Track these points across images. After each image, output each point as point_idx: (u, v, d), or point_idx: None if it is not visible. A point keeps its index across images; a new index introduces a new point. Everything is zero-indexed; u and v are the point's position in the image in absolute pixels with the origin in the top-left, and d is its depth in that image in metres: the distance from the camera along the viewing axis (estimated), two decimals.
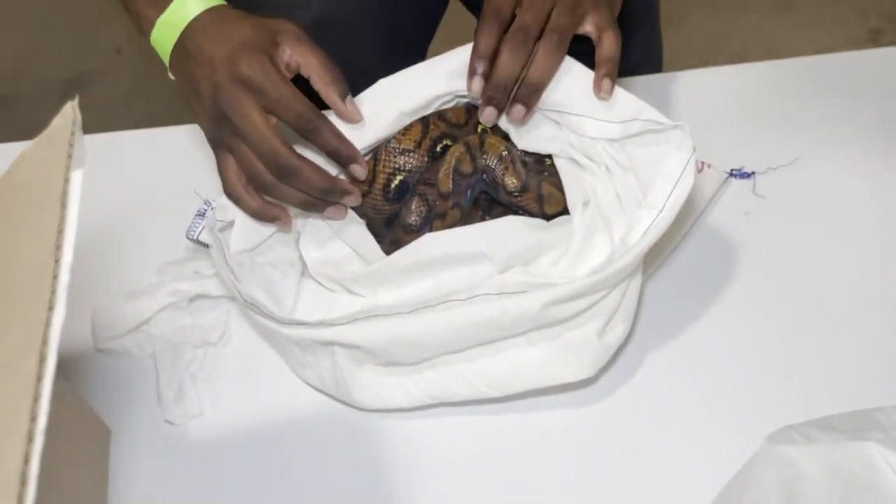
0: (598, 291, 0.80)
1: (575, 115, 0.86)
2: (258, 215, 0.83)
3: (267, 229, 0.89)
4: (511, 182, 0.87)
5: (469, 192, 0.89)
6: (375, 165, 0.89)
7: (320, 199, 0.82)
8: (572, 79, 0.84)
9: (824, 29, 2.45)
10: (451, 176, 0.87)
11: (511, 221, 0.85)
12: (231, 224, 0.87)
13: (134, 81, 2.54)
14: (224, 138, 0.80)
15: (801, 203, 0.97)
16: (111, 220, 1.04)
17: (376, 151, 0.89)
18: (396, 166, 0.88)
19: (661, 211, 0.79)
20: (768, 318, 0.89)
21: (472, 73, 0.82)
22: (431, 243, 0.83)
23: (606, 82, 0.82)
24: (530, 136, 0.90)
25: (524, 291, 0.81)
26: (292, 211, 0.85)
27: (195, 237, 0.88)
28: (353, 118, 0.83)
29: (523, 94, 0.81)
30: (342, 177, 0.85)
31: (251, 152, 0.78)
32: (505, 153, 0.87)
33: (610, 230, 0.85)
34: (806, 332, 0.88)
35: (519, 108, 0.82)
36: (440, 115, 0.89)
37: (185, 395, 0.91)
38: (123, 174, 1.10)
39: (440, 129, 0.89)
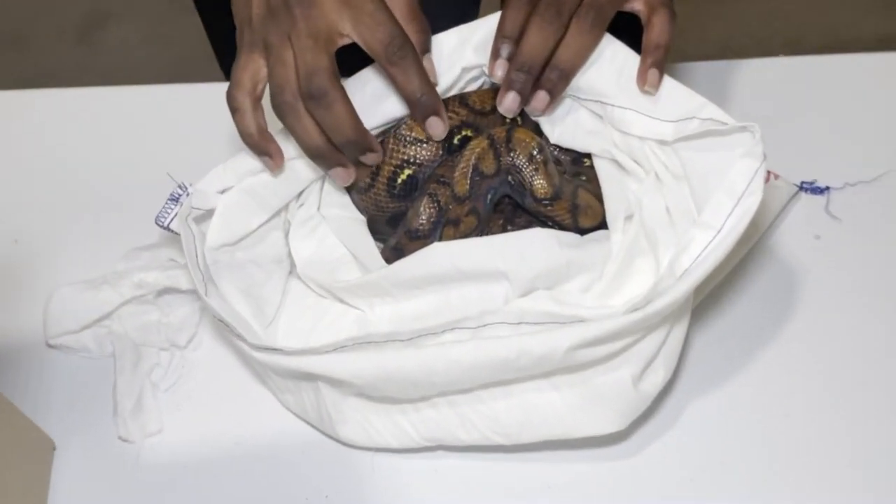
0: (637, 332, 0.66)
1: (619, 108, 0.74)
2: (251, 139, 0.71)
3: (255, 218, 0.76)
4: (541, 187, 0.73)
5: (489, 196, 0.75)
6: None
7: (334, 150, 0.70)
8: (618, 64, 0.73)
9: (891, 16, 2.25)
10: (469, 176, 0.73)
11: (537, 235, 0.72)
12: (209, 214, 0.76)
13: (153, 24, 2.39)
14: (269, 34, 0.68)
15: (882, 228, 0.84)
16: (72, 193, 0.95)
17: (383, 137, 0.75)
18: (405, 158, 0.75)
19: (718, 232, 0.67)
20: (837, 365, 0.77)
21: (495, 54, 0.72)
22: (440, 255, 0.71)
23: (653, 74, 0.71)
24: (566, 129, 0.77)
25: (548, 323, 0.68)
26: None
27: (165, 224, 0.75)
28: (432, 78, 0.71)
29: (549, 79, 0.71)
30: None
31: (292, 59, 0.67)
32: (536, 152, 0.73)
33: (656, 252, 0.72)
34: (883, 383, 0.75)
35: (542, 96, 0.72)
36: (462, 98, 0.76)
37: (143, 406, 0.80)
38: (89, 138, 0.99)
39: (460, 117, 0.75)
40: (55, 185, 0.95)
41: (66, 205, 0.93)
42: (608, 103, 0.73)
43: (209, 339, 0.84)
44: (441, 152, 0.76)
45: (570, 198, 0.74)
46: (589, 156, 0.78)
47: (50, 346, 0.83)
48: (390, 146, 0.75)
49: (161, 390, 0.81)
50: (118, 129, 1.00)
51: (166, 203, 0.75)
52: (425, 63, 0.70)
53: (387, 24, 0.67)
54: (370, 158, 0.72)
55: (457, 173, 0.74)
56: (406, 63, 0.68)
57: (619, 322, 0.65)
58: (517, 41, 0.70)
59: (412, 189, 0.76)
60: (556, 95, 0.72)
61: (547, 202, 0.74)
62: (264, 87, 0.70)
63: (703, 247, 0.67)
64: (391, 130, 0.76)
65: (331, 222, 0.78)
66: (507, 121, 0.76)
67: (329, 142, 0.69)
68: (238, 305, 0.74)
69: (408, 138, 0.75)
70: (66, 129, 1.00)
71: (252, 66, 0.69)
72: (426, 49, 0.71)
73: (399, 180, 0.75)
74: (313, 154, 0.71)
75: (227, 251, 0.76)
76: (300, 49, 0.66)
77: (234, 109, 0.70)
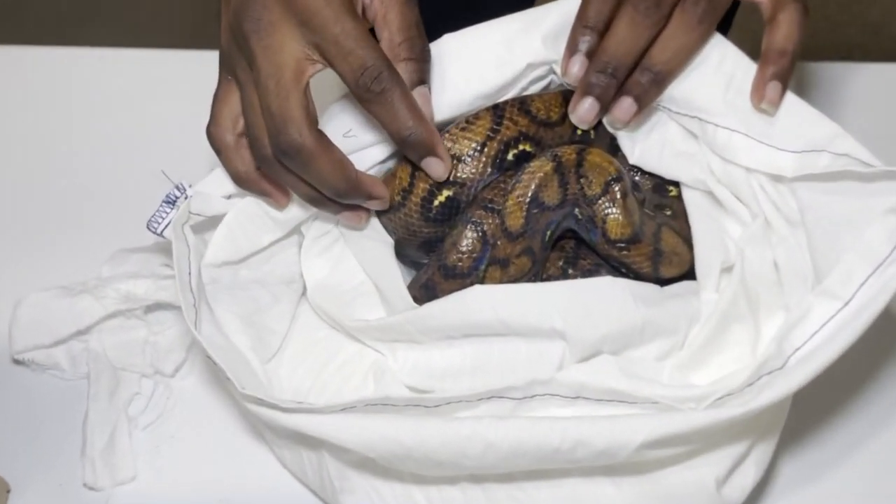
0: (730, 430, 0.53)
1: (724, 129, 0.60)
2: (241, 180, 0.61)
3: (268, 234, 0.65)
4: (617, 226, 0.60)
5: (548, 233, 0.62)
6: (415, 169, 0.62)
7: (331, 200, 0.60)
8: (727, 71, 0.60)
9: None
10: (526, 206, 0.60)
11: (607, 286, 0.59)
12: (212, 222, 0.64)
13: None
14: (235, 68, 0.59)
15: None
16: (49, 181, 0.84)
17: None
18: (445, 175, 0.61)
19: (846, 304, 0.55)
20: None
21: (571, 48, 0.60)
22: (480, 301, 0.58)
23: (774, 88, 0.59)
24: (650, 148, 0.63)
25: (613, 402, 0.56)
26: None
27: (158, 231, 0.64)
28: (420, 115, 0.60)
29: (638, 83, 0.59)
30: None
31: (258, 103, 0.57)
32: (614, 180, 0.60)
33: (756, 319, 0.60)
34: None
35: (627, 104, 0.60)
36: (522, 104, 0.62)
37: (116, 445, 0.69)
38: (73, 111, 0.88)
39: (519, 127, 0.62)
40: (29, 170, 0.85)
41: (43, 195, 0.83)
42: (709, 121, 0.60)
43: (201, 366, 0.73)
44: (490, 170, 0.62)
45: (651, 240, 0.61)
46: (676, 183, 0.64)
47: (15, 361, 0.73)
48: None
49: (139, 427, 0.70)
50: (109, 103, 0.89)
51: (161, 206, 0.64)
52: (416, 95, 0.58)
53: (357, 52, 0.55)
54: (374, 205, 0.61)
55: (510, 201, 0.59)
56: (385, 98, 0.56)
57: (708, 418, 0.52)
58: (602, 33, 0.59)
59: (452, 212, 0.62)
60: (644, 105, 0.60)
61: (623, 245, 0.61)
62: None
63: (824, 321, 0.55)
64: None
65: (350, 242, 0.65)
66: (579, 133, 0.63)
67: (320, 192, 0.59)
68: (235, 336, 0.63)
69: (450, 150, 0.61)
70: (43, 96, 0.91)
71: (230, 99, 0.60)
72: (420, 80, 0.59)
73: (436, 202, 0.62)
74: (309, 202, 0.62)
75: (229, 269, 0.65)
76: (263, 94, 0.56)
77: (217, 150, 0.61)
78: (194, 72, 0.79)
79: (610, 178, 0.60)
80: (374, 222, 0.65)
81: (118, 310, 0.72)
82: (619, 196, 0.60)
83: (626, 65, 0.58)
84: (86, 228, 0.80)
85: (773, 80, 0.58)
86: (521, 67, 0.62)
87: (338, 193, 0.58)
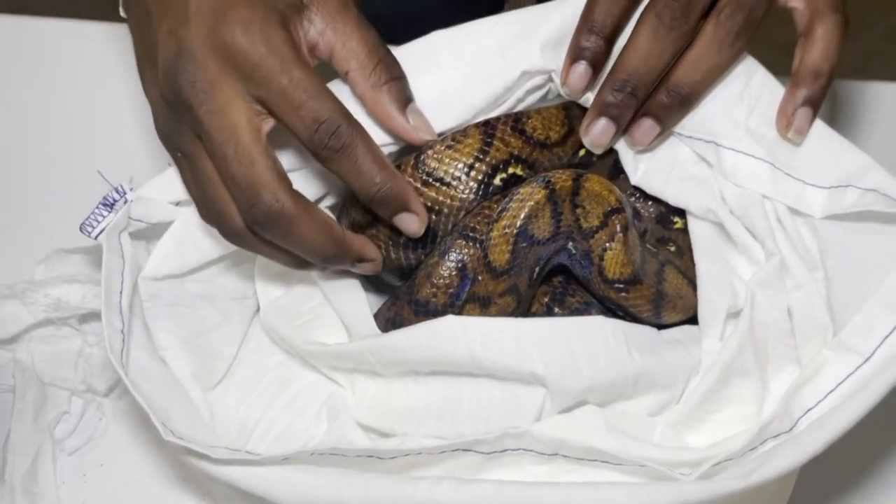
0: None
1: (746, 156, 0.55)
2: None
3: (220, 246, 0.59)
4: (616, 265, 0.55)
5: (536, 270, 0.56)
6: None
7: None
8: (753, 93, 0.56)
9: None
10: (512, 239, 0.54)
11: (597, 328, 0.52)
12: (155, 230, 0.58)
13: None
14: (179, 142, 0.53)
15: None
16: None
17: (397, 165, 0.56)
18: (422, 201, 0.55)
19: (866, 360, 0.50)
20: None
21: (574, 55, 0.55)
22: (453, 334, 0.51)
23: (804, 115, 0.54)
24: (656, 169, 0.58)
25: (596, 463, 0.51)
26: None
27: (92, 235, 0.57)
28: (419, 138, 0.55)
29: (661, 104, 0.55)
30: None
31: (216, 173, 0.52)
32: (614, 212, 0.54)
33: (764, 374, 0.54)
34: None
35: (648, 126, 0.55)
36: (516, 122, 0.56)
37: (39, 472, 0.64)
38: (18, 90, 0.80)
39: (509, 149, 0.56)
40: None
41: None
42: (727, 147, 0.55)
43: (121, 436, 0.66)
44: (474, 195, 0.56)
45: (653, 281, 0.55)
46: (682, 213, 0.58)
47: None
48: (407, 176, 0.55)
49: (65, 451, 0.65)
50: (45, 79, 0.81)
51: (97, 208, 0.57)
52: (410, 118, 0.55)
53: (308, 104, 0.50)
54: (365, 269, 0.56)
55: (495, 232, 0.53)
56: (346, 154, 0.51)
57: (703, 491, 0.47)
58: (609, 39, 0.54)
59: (427, 240, 0.57)
60: (668, 127, 0.56)
61: (621, 286, 0.55)
62: None
63: (840, 379, 0.50)
64: (408, 158, 0.56)
65: (323, 289, 0.59)
66: (581, 155, 0.58)
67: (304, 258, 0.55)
68: (175, 362, 0.57)
69: (431, 171, 0.56)
70: None
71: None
72: (408, 98, 0.55)
73: None
74: (294, 268, 0.57)
75: (172, 283, 0.59)
76: (222, 164, 0.51)
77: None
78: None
79: (610, 208, 0.54)
80: None
81: (48, 318, 0.67)
82: (618, 230, 0.54)
83: (647, 84, 0.54)
84: (18, 225, 0.75)
85: (803, 105, 0.54)
86: (516, 76, 0.57)
87: (324, 259, 0.53)
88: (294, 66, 0.50)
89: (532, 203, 0.54)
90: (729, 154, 0.55)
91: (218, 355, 0.59)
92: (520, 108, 0.58)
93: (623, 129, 0.55)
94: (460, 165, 0.55)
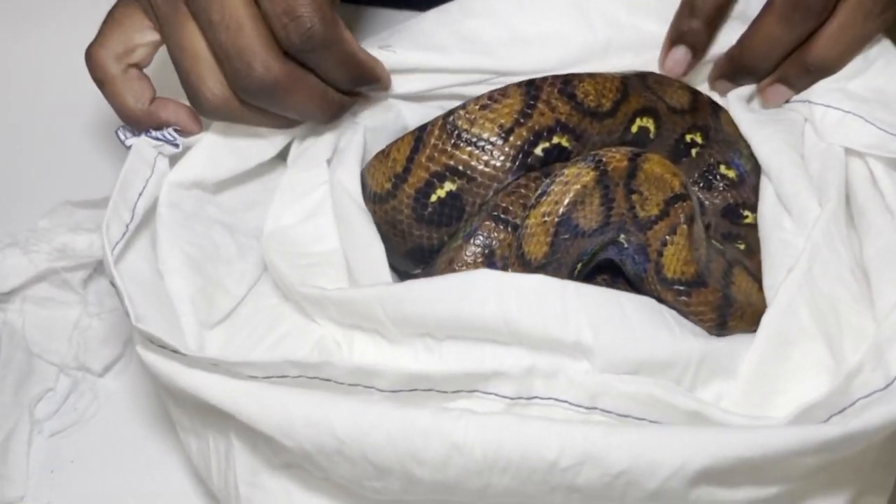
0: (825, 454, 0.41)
1: (833, 110, 0.53)
2: (132, 117, 0.53)
3: (259, 151, 0.55)
4: (677, 263, 0.47)
5: (578, 266, 0.49)
6: (415, 151, 0.49)
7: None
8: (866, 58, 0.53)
9: None
10: (553, 229, 0.47)
11: (653, 306, 0.46)
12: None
13: None
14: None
15: None
16: None
17: (423, 126, 0.50)
18: (451, 163, 0.49)
19: None
20: None
21: (675, 37, 0.54)
22: (485, 289, 0.45)
23: None
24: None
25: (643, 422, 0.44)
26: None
27: (126, 142, 0.53)
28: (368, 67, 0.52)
29: (800, 75, 0.54)
30: None
31: (203, 46, 0.50)
32: (678, 199, 0.47)
33: (832, 338, 0.47)
34: None
35: (783, 91, 0.54)
36: (566, 84, 0.50)
37: (10, 453, 0.58)
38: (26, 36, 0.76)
39: (556, 114, 0.49)
40: None
41: None
42: (816, 102, 0.53)
43: (136, 369, 0.61)
44: (510, 164, 0.49)
45: (719, 284, 0.48)
46: (752, 206, 0.52)
47: None
48: (432, 140, 0.49)
49: (44, 434, 0.59)
50: (53, 27, 0.77)
51: (145, 134, 0.54)
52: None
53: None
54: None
55: (532, 220, 0.47)
56: (314, 56, 0.49)
57: (799, 436, 0.39)
58: (712, 23, 0.53)
59: (454, 215, 0.50)
60: (801, 91, 0.54)
61: (682, 287, 0.48)
62: (146, 55, 0.54)
63: None
64: (439, 116, 0.50)
65: (337, 201, 0.53)
66: (633, 131, 0.50)
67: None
68: (173, 279, 0.52)
69: (464, 132, 0.49)
70: None
71: (127, 24, 0.53)
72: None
73: (434, 196, 0.50)
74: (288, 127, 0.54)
75: (197, 196, 0.54)
76: (206, 27, 0.48)
77: (98, 80, 0.53)
78: None
79: (672, 194, 0.47)
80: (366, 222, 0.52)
81: (51, 268, 0.62)
82: (682, 220, 0.47)
83: (772, 66, 0.53)
84: (22, 176, 0.70)
85: None
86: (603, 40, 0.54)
87: (321, 122, 0.53)
88: None
89: (579, 186, 0.47)
90: (819, 109, 0.52)
91: (223, 290, 0.53)
92: None
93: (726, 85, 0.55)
94: (496, 129, 0.49)
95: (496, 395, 0.44)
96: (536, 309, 0.44)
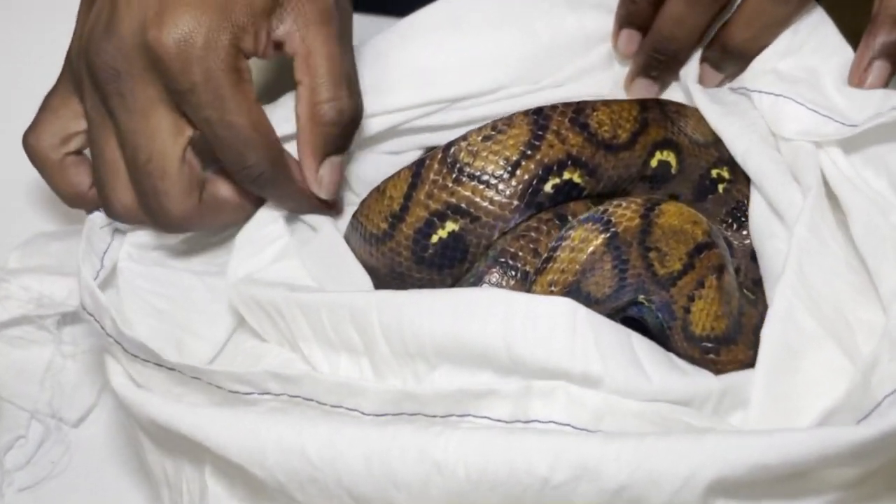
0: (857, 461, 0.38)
1: (766, 95, 0.51)
2: (76, 202, 0.54)
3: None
4: (707, 318, 0.44)
5: None
6: (412, 188, 0.46)
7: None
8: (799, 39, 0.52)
9: None
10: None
11: (661, 350, 0.42)
12: None
13: None
14: (84, 92, 0.50)
15: None
16: None
17: (421, 160, 0.47)
18: (452, 202, 0.45)
19: None
20: None
21: (622, 20, 0.54)
22: (488, 309, 0.41)
23: (878, 70, 0.49)
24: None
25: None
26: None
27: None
28: (311, 191, 0.51)
29: (717, 57, 0.53)
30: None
31: (119, 161, 0.49)
32: (703, 248, 0.44)
33: (841, 334, 0.44)
34: None
35: (709, 72, 0.54)
36: (578, 113, 0.46)
37: None
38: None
39: (567, 147, 0.45)
40: None
41: None
42: (751, 89, 0.52)
43: (110, 414, 0.58)
44: (517, 203, 0.45)
45: (752, 340, 0.44)
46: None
47: None
48: (431, 174, 0.45)
49: (13, 487, 0.56)
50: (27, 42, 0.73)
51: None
52: (327, 165, 0.50)
53: (233, 147, 0.47)
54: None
55: (537, 287, 0.44)
56: (266, 191, 0.49)
57: (827, 439, 0.36)
58: (656, 3, 0.53)
59: (456, 256, 0.46)
60: (728, 75, 0.54)
61: (710, 345, 0.44)
62: (83, 142, 0.53)
63: None
64: (439, 148, 0.46)
65: (310, 254, 0.50)
66: (653, 165, 0.47)
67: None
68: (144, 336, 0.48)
69: (465, 166, 0.45)
70: None
71: (64, 113, 0.52)
72: (340, 148, 0.50)
73: (435, 237, 0.46)
74: None
75: (152, 254, 0.53)
76: (130, 163, 0.48)
77: (38, 166, 0.53)
78: None
79: (695, 245, 0.44)
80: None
81: (25, 315, 0.58)
82: (710, 272, 0.43)
83: (688, 46, 0.53)
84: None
85: (880, 57, 0.48)
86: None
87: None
88: (228, 104, 0.46)
89: (586, 254, 0.43)
90: (755, 96, 0.51)
91: (198, 337, 0.51)
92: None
93: (667, 85, 0.54)
94: (501, 162, 0.45)
95: (489, 418, 0.41)
96: (544, 334, 0.40)
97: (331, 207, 0.52)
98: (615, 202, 0.44)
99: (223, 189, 0.50)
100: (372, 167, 0.53)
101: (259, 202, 0.51)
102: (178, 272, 0.52)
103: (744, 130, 0.50)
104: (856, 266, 0.45)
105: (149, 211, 0.49)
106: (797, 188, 0.47)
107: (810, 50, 0.51)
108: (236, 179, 0.49)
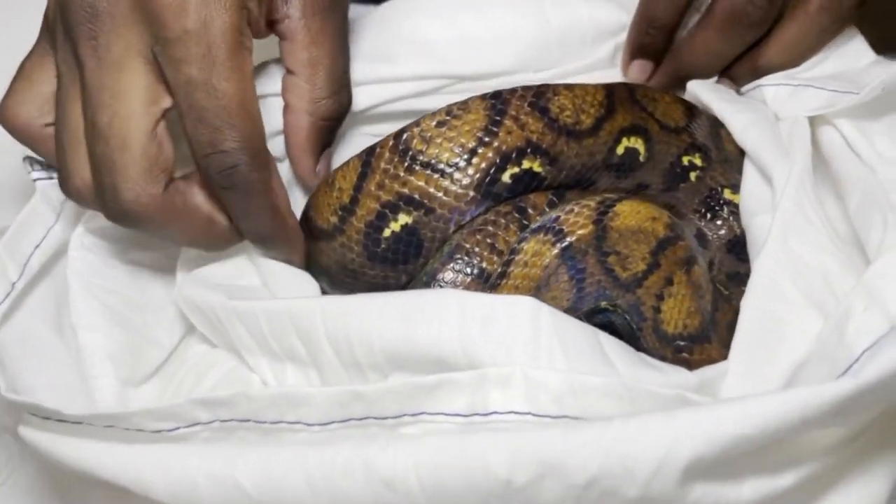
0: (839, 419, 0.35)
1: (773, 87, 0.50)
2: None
3: None
4: (678, 316, 0.42)
5: None
6: (362, 178, 0.43)
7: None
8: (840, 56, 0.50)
9: None
10: None
11: (630, 350, 0.40)
12: None
13: None
14: (57, 43, 0.44)
15: None
16: None
17: (371, 148, 0.43)
18: (406, 192, 0.42)
19: None
20: None
21: (634, 50, 0.51)
22: (443, 311, 0.38)
23: None
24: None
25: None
26: None
27: (31, 174, 0.48)
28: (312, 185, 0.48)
29: (747, 75, 0.52)
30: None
31: (80, 124, 0.42)
32: (665, 244, 0.41)
33: (823, 307, 0.42)
34: None
35: (727, 84, 0.52)
36: (538, 97, 0.43)
37: None
38: None
39: (526, 133, 0.42)
40: None
41: None
42: (767, 84, 0.50)
43: (31, 479, 0.52)
44: (473, 194, 0.42)
45: (726, 338, 0.41)
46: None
47: None
48: (382, 163, 0.42)
49: None
50: None
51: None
52: (322, 163, 0.47)
53: (210, 121, 0.40)
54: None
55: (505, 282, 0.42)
56: (231, 195, 0.42)
57: (802, 399, 0.33)
58: (671, 32, 0.51)
59: (410, 251, 0.43)
60: (742, 86, 0.53)
61: (682, 343, 0.42)
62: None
63: None
64: (390, 135, 0.43)
65: (261, 268, 0.46)
66: (619, 153, 0.44)
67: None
68: (93, 340, 0.46)
69: (417, 154, 0.42)
70: None
71: (40, 79, 0.45)
72: (329, 143, 0.47)
73: (387, 231, 0.43)
74: None
75: (108, 245, 0.48)
76: (89, 127, 0.41)
77: (21, 140, 0.47)
78: None
79: (657, 242, 0.41)
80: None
81: None
82: (678, 268, 0.41)
83: (712, 74, 0.52)
84: None
85: None
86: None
87: (206, 249, 0.46)
88: (219, 66, 0.40)
89: (539, 269, 0.41)
90: (770, 90, 0.50)
91: (152, 342, 0.47)
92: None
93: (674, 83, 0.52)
94: (457, 149, 0.42)
95: (445, 414, 0.38)
96: (504, 335, 0.38)
97: (295, 249, 0.46)
98: (567, 207, 0.42)
99: (195, 193, 0.43)
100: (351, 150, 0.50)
101: (235, 232, 0.45)
102: (136, 267, 0.49)
103: (746, 107, 0.48)
104: (839, 244, 0.43)
105: (99, 189, 0.42)
106: (788, 164, 0.45)
107: (832, 63, 0.51)
108: (200, 167, 0.42)
